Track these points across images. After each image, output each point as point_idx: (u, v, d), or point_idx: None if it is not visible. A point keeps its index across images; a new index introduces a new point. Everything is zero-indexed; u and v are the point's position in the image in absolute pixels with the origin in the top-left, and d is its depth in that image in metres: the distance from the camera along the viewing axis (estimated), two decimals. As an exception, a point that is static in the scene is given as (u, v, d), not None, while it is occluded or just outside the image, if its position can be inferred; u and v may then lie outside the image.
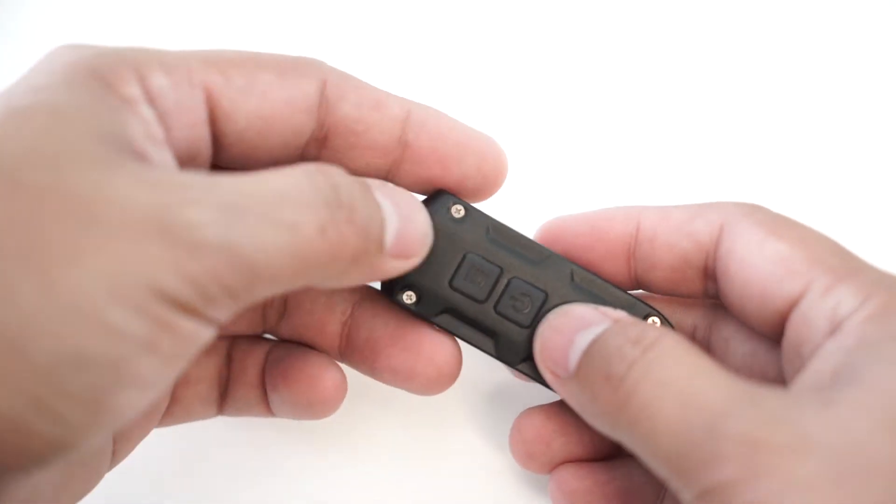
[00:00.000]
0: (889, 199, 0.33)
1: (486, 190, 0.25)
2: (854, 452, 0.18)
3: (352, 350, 0.27)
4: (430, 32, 0.36)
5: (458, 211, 0.25)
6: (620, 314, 0.23)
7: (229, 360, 0.27)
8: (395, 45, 0.35)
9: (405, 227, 0.22)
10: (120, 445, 0.25)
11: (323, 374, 0.26)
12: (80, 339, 0.16)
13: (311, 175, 0.20)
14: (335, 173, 0.20)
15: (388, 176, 0.25)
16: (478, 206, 0.26)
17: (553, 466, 0.27)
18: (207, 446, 0.30)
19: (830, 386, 0.19)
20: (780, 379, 0.24)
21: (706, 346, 0.26)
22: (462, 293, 0.25)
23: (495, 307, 0.25)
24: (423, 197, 0.26)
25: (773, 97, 0.34)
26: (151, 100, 0.21)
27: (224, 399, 0.28)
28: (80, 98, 0.19)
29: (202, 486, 0.30)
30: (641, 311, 0.25)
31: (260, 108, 0.22)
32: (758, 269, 0.22)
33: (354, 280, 0.22)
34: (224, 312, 0.18)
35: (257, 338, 0.28)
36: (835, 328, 0.20)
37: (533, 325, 0.25)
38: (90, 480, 0.23)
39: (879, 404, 0.18)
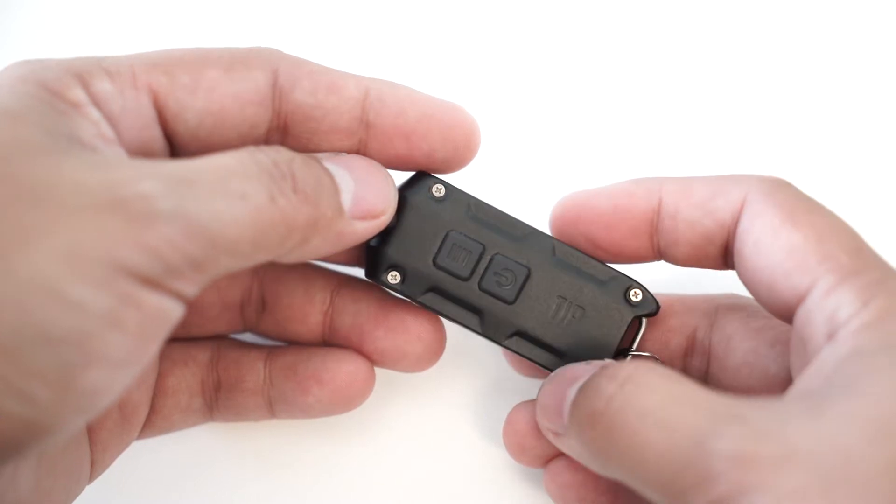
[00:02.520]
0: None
1: (458, 160, 0.25)
2: (842, 462, 0.18)
3: (337, 337, 0.27)
4: (436, 19, 0.36)
5: (438, 190, 0.25)
6: (608, 362, 0.23)
7: (216, 370, 0.27)
8: (398, 40, 0.36)
9: (363, 189, 0.23)
10: (97, 456, 0.24)
11: (358, 367, 0.27)
12: (42, 316, 0.16)
13: (252, 152, 0.20)
14: (274, 149, 0.21)
15: None
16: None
17: (544, 460, 0.27)
18: (199, 450, 0.30)
19: (822, 395, 0.19)
20: (781, 375, 0.24)
21: (708, 344, 0.27)
22: (446, 271, 0.25)
23: (479, 284, 0.25)
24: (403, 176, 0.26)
25: (786, 67, 0.34)
26: (98, 104, 0.21)
27: (214, 407, 0.27)
28: (29, 103, 0.20)
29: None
30: (623, 283, 0.25)
31: (208, 105, 0.22)
32: (770, 258, 0.22)
33: (324, 248, 0.22)
34: (190, 286, 0.18)
35: (246, 345, 0.28)
36: (833, 333, 0.20)
37: (517, 301, 0.26)
38: (70, 490, 0.23)
39: (868, 414, 0.18)
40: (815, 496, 0.17)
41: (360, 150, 0.25)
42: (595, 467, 0.22)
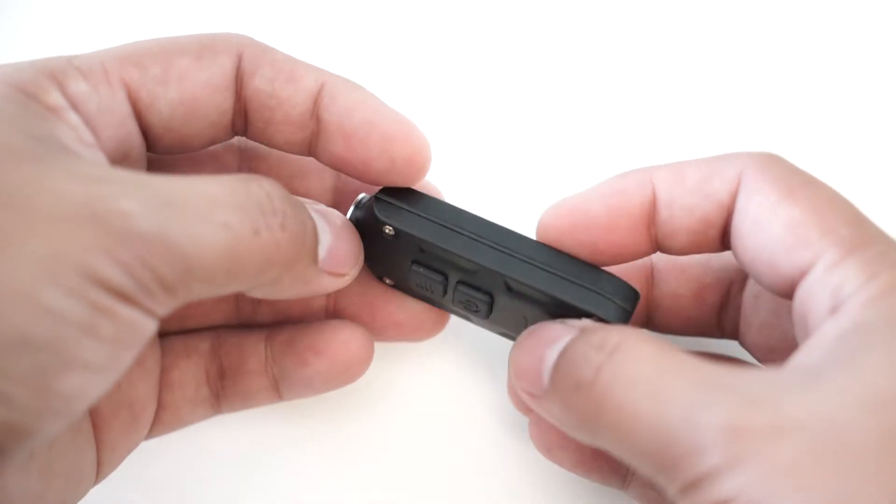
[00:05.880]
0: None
1: (398, 175, 0.24)
2: (834, 434, 0.17)
3: (346, 315, 0.27)
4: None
5: (389, 231, 0.24)
6: (586, 322, 0.23)
7: (217, 357, 0.27)
8: (385, 40, 0.35)
9: (337, 244, 0.23)
10: (105, 456, 0.24)
11: (353, 335, 0.27)
12: (19, 322, 0.16)
13: (246, 181, 0.20)
14: (270, 183, 0.21)
15: (311, 151, 0.25)
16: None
17: None
18: (204, 449, 0.30)
19: (820, 367, 0.19)
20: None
21: (739, 302, 0.26)
22: (422, 290, 0.26)
23: (453, 302, 0.26)
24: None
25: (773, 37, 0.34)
26: (75, 106, 0.21)
27: (220, 396, 0.27)
28: (8, 106, 0.20)
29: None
30: (575, 313, 0.23)
31: (180, 95, 0.23)
32: (770, 234, 0.21)
33: (289, 291, 0.22)
34: (161, 306, 0.18)
35: (245, 328, 0.28)
36: (836, 307, 0.20)
37: (491, 316, 0.26)
38: (70, 492, 0.23)
39: (863, 386, 0.18)
40: (807, 468, 0.17)
41: (312, 144, 0.24)
42: (578, 436, 0.21)
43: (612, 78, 0.34)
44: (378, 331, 0.27)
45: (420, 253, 0.25)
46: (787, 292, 0.22)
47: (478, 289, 0.25)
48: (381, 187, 0.25)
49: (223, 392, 0.27)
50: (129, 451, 0.26)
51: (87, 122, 0.21)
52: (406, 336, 0.27)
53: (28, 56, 0.22)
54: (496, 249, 0.24)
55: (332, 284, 0.23)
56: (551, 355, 0.22)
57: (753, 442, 0.17)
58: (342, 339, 0.26)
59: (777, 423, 0.17)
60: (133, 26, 0.36)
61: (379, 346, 0.28)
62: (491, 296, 0.25)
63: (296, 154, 0.25)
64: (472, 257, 0.24)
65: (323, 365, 0.26)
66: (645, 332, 0.21)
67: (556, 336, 0.22)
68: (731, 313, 0.26)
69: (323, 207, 0.24)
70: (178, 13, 0.36)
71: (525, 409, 0.27)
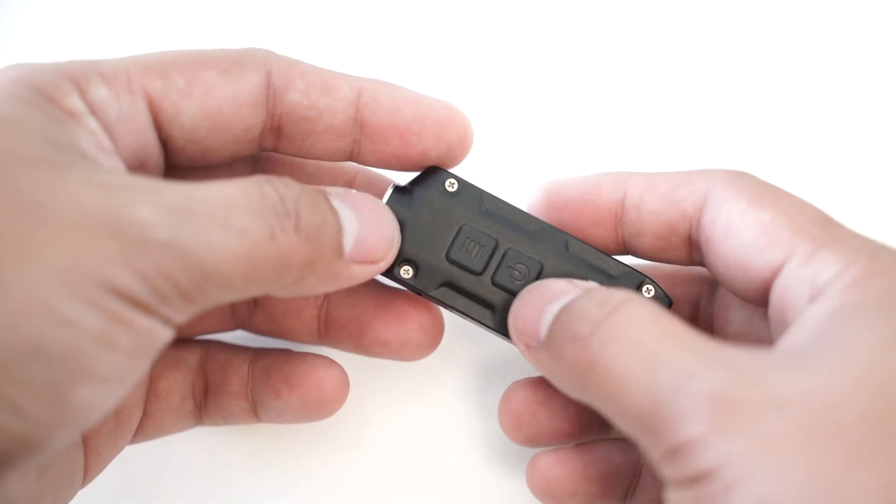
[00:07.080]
0: (876, 165, 0.33)
1: (452, 158, 0.25)
2: (824, 411, 0.18)
3: (335, 330, 0.27)
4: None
5: (451, 185, 0.25)
6: (592, 284, 0.24)
7: (204, 372, 0.27)
8: (389, 37, 0.35)
9: (366, 233, 0.23)
10: (91, 462, 0.24)
11: (327, 374, 0.27)
12: (36, 332, 0.16)
13: (260, 185, 0.20)
14: (283, 183, 0.21)
15: (351, 157, 0.25)
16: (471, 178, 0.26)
17: (539, 439, 0.27)
18: (195, 456, 0.30)
19: (808, 348, 0.19)
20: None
21: (710, 314, 0.27)
22: (459, 265, 0.25)
23: (492, 278, 0.25)
24: (414, 175, 0.26)
25: (762, 61, 0.35)
26: (94, 111, 0.21)
27: (203, 410, 0.27)
28: (27, 110, 0.20)
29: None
30: (635, 279, 0.25)
31: (204, 108, 0.22)
32: (741, 237, 0.22)
33: (317, 288, 0.22)
34: (179, 314, 0.18)
35: (234, 347, 0.28)
36: (816, 295, 0.20)
37: None
38: (62, 496, 0.23)
39: (854, 365, 0.18)
40: (793, 443, 0.17)
41: (355, 150, 0.25)
42: (568, 390, 0.22)
43: (625, 84, 0.35)
44: (366, 347, 0.27)
45: (477, 212, 0.25)
46: (760, 296, 0.23)
47: (529, 256, 0.25)
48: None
49: (205, 408, 0.27)
50: (113, 457, 0.26)
51: (106, 128, 0.21)
52: (391, 355, 0.27)
53: (29, 55, 0.22)
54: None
55: (365, 273, 0.23)
56: (552, 309, 0.22)
57: (741, 414, 0.18)
58: (316, 376, 0.26)
59: (766, 398, 0.18)
60: (134, 26, 0.35)
61: (374, 371, 0.29)
62: (542, 264, 0.25)
63: (334, 161, 0.25)
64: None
65: (294, 399, 0.26)
66: (647, 299, 0.21)
67: (560, 292, 0.23)
68: (702, 327, 0.27)
69: (352, 194, 0.23)
70: (177, 15, 0.36)
71: (520, 439, 0.27)
